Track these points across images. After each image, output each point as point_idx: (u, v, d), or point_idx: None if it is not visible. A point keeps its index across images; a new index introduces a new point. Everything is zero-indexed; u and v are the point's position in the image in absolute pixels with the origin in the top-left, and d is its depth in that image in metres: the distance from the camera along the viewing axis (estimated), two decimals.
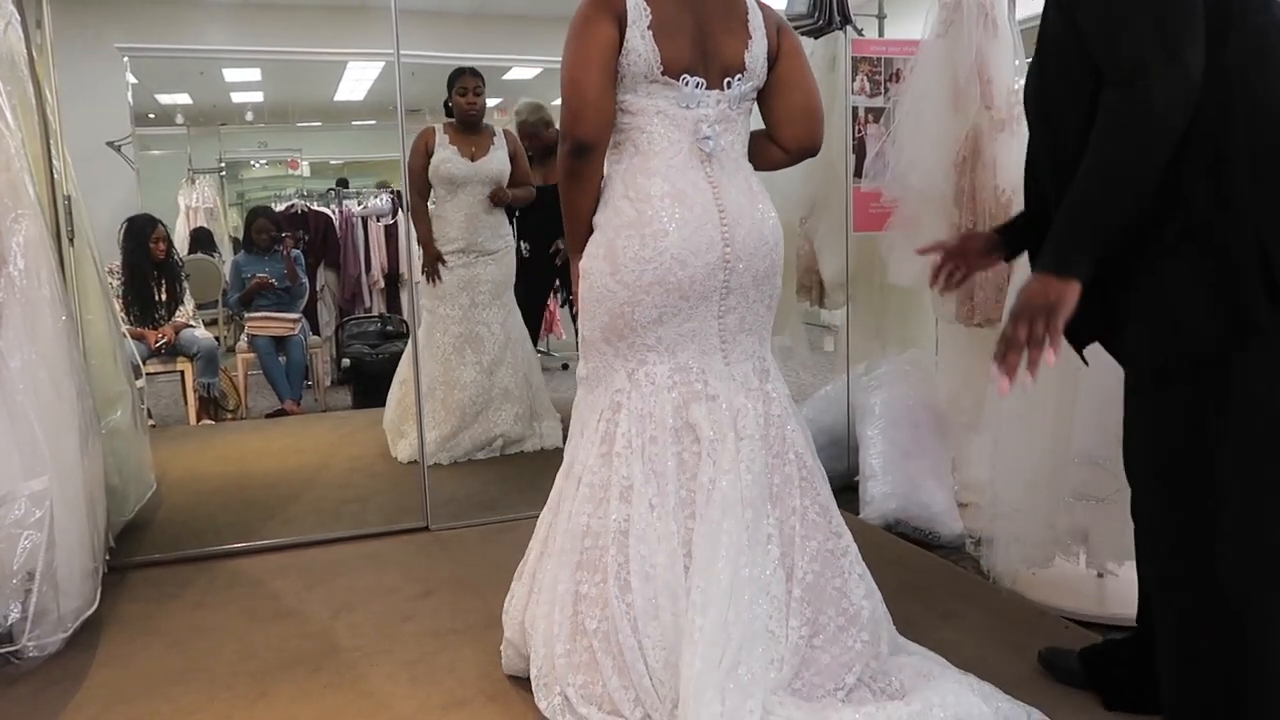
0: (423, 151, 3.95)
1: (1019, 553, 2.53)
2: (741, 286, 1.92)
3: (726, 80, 1.90)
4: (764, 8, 1.98)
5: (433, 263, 4.00)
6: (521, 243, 4.33)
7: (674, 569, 1.81)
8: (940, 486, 3.18)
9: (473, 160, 3.97)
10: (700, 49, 1.87)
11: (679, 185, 1.86)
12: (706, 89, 1.88)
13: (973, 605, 2.49)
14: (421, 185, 3.98)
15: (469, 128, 4.00)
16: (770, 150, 2.02)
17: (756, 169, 2.01)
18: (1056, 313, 1.45)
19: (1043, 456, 2.40)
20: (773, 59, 1.96)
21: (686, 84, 1.86)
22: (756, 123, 2.04)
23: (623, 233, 1.87)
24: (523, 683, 2.13)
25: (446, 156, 3.94)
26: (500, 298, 4.08)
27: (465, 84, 3.97)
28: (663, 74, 1.84)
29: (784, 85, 1.97)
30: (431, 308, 4.02)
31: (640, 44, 1.82)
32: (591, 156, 1.87)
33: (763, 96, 2.00)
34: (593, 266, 1.92)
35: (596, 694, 1.83)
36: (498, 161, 4.02)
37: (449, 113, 4.04)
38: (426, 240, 3.99)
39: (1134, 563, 2.53)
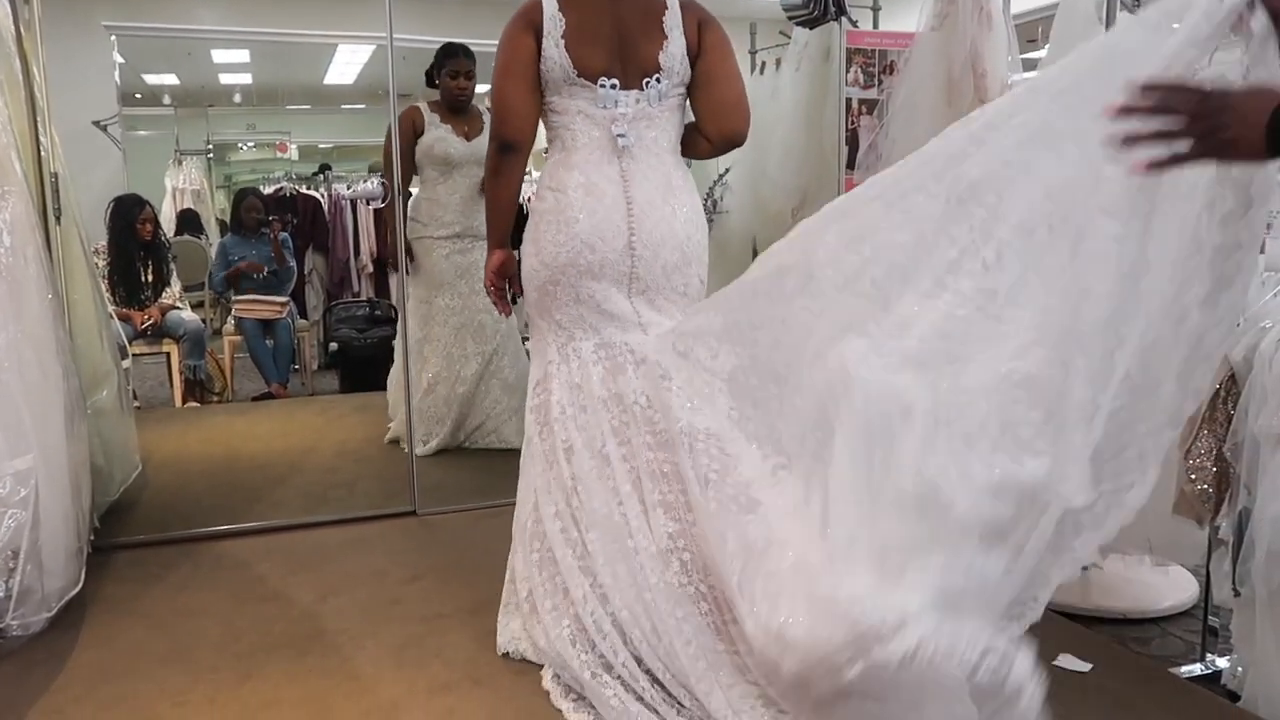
0: (410, 132, 3.76)
1: None
2: (650, 274, 2.09)
3: (645, 81, 2.07)
4: (685, 5, 2.11)
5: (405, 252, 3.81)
6: None
7: (613, 517, 1.97)
8: None
9: (468, 139, 3.81)
10: (618, 54, 2.07)
11: (593, 178, 2.06)
12: (624, 89, 2.06)
13: None
14: (406, 167, 3.81)
15: (458, 109, 3.86)
16: (697, 140, 2.19)
17: (688, 157, 2.20)
18: (1212, 137, 1.16)
19: None
20: (694, 55, 2.11)
21: (603, 86, 2.05)
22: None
23: (545, 218, 2.09)
24: (509, 667, 2.13)
25: (440, 136, 3.78)
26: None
27: (457, 66, 3.80)
28: (579, 78, 2.05)
29: (706, 80, 2.13)
30: (428, 298, 3.87)
31: (555, 52, 2.04)
32: (515, 155, 2.11)
33: (690, 90, 2.16)
34: (525, 250, 2.16)
35: (567, 630, 1.97)
36: None
37: (430, 83, 3.85)
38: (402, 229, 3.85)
39: (1118, 555, 2.57)
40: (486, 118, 3.85)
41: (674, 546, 1.89)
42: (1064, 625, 2.34)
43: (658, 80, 2.08)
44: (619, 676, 1.89)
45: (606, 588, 1.95)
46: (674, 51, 2.08)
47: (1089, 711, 1.94)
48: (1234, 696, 2.09)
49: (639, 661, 1.89)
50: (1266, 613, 1.97)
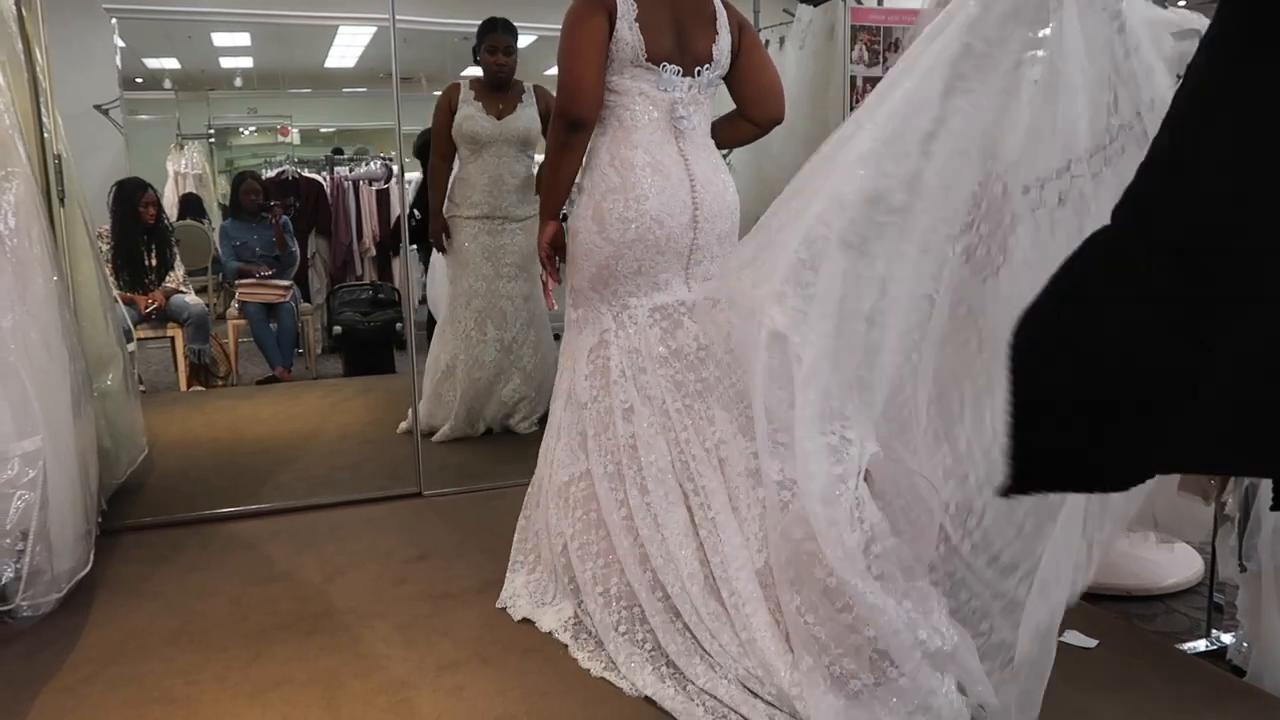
0: (445, 109, 3.71)
1: None
2: (707, 244, 2.24)
3: (697, 69, 2.22)
4: (729, 8, 2.32)
5: (438, 235, 3.82)
6: None
7: (675, 474, 2.09)
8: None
9: (499, 118, 3.71)
10: (677, 42, 2.20)
11: (657, 157, 2.18)
12: (681, 75, 2.20)
13: None
14: (445, 147, 3.76)
15: (496, 87, 3.74)
16: (742, 127, 2.37)
17: (729, 146, 2.39)
18: None
19: None
20: (736, 52, 2.29)
21: (665, 70, 2.18)
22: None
23: (609, 196, 2.17)
24: (518, 645, 2.15)
25: (470, 113, 3.69)
26: (527, 269, 3.81)
27: (495, 42, 3.68)
28: (646, 60, 2.16)
29: (751, 72, 2.32)
30: (453, 278, 3.83)
31: (628, 34, 2.15)
32: (583, 132, 2.19)
33: (733, 84, 2.34)
34: (581, 226, 2.23)
35: (614, 587, 2.09)
36: (525, 119, 3.73)
37: (477, 61, 3.77)
38: (436, 209, 3.81)
39: (1123, 533, 2.57)
40: (525, 93, 3.78)
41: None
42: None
43: (708, 69, 2.24)
44: (651, 631, 2.01)
45: (646, 540, 2.06)
46: (723, 46, 2.26)
47: (1095, 687, 1.95)
48: (1239, 672, 2.10)
49: (675, 614, 2.00)
50: (1273, 588, 1.97)
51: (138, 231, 4.77)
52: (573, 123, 2.16)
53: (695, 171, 2.21)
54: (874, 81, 3.43)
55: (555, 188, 2.28)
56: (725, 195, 2.27)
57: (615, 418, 2.17)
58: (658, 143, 2.19)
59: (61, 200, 2.89)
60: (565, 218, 2.34)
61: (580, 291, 2.29)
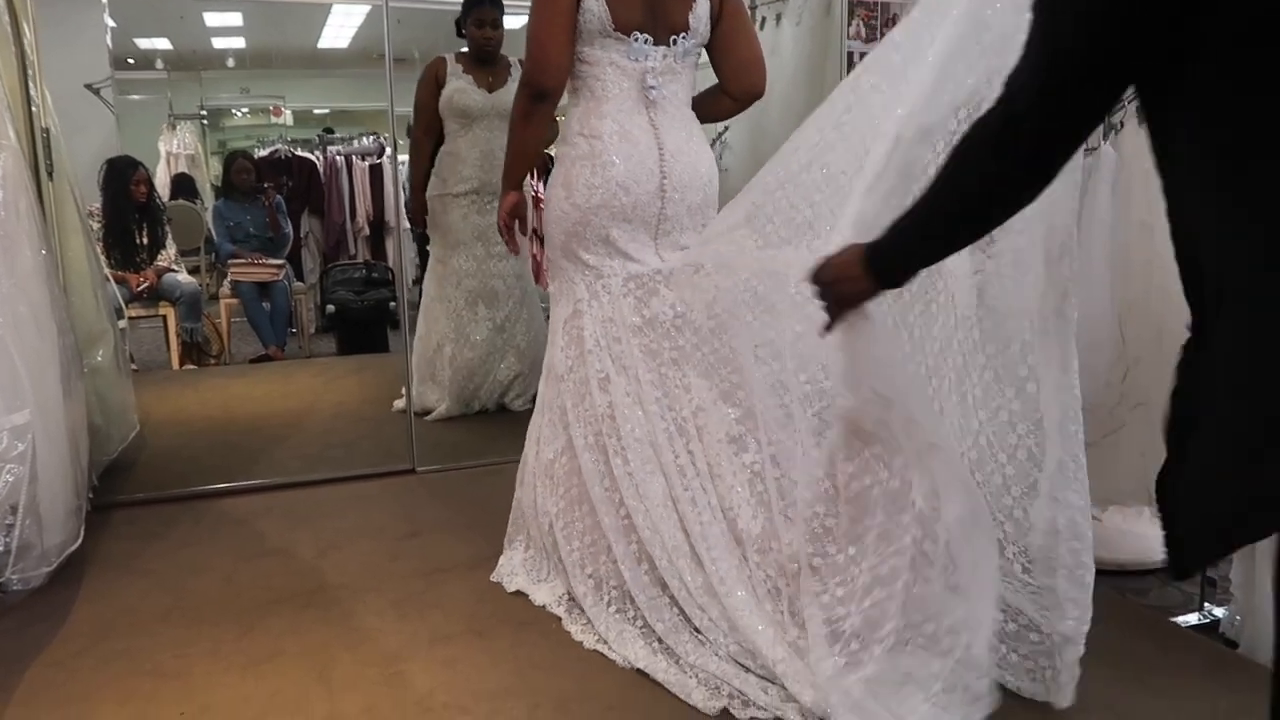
0: (432, 82, 3.67)
1: None
2: (676, 214, 2.21)
3: (673, 38, 2.18)
4: None
5: (419, 215, 3.79)
6: None
7: (652, 444, 2.09)
8: None
9: (490, 91, 3.67)
10: (650, 10, 2.15)
11: (626, 126, 2.16)
12: (654, 45, 2.16)
13: None
14: (429, 120, 3.72)
15: (484, 60, 3.70)
16: (720, 100, 2.33)
17: (708, 120, 2.35)
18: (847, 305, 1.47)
19: None
20: (715, 19, 2.24)
21: (636, 40, 2.14)
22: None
23: (578, 164, 2.17)
24: (511, 618, 2.14)
25: (460, 86, 3.65)
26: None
27: (483, 15, 3.63)
28: (615, 31, 2.12)
29: (729, 42, 2.27)
30: (443, 257, 3.80)
31: (594, 5, 2.10)
32: (548, 103, 2.17)
33: (711, 54, 2.29)
34: (552, 194, 2.24)
35: (601, 567, 2.09)
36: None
37: (459, 34, 3.73)
38: (419, 184, 3.77)
39: (1117, 508, 2.57)
40: (513, 68, 3.74)
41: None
42: None
43: (684, 38, 2.19)
44: (639, 607, 2.01)
45: (631, 510, 2.05)
46: (700, 14, 2.20)
47: (1089, 659, 1.93)
48: (1232, 645, 2.10)
49: (663, 587, 2.00)
50: (1266, 561, 1.97)
51: (129, 210, 4.74)
52: (537, 93, 2.14)
53: (666, 141, 2.18)
54: None
55: (518, 157, 2.29)
56: (699, 167, 2.23)
57: (592, 388, 2.16)
58: (627, 112, 2.16)
59: (50, 175, 2.86)
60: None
61: (555, 262, 2.28)
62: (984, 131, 1.08)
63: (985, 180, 1.11)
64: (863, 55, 3.39)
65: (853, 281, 1.41)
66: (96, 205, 4.64)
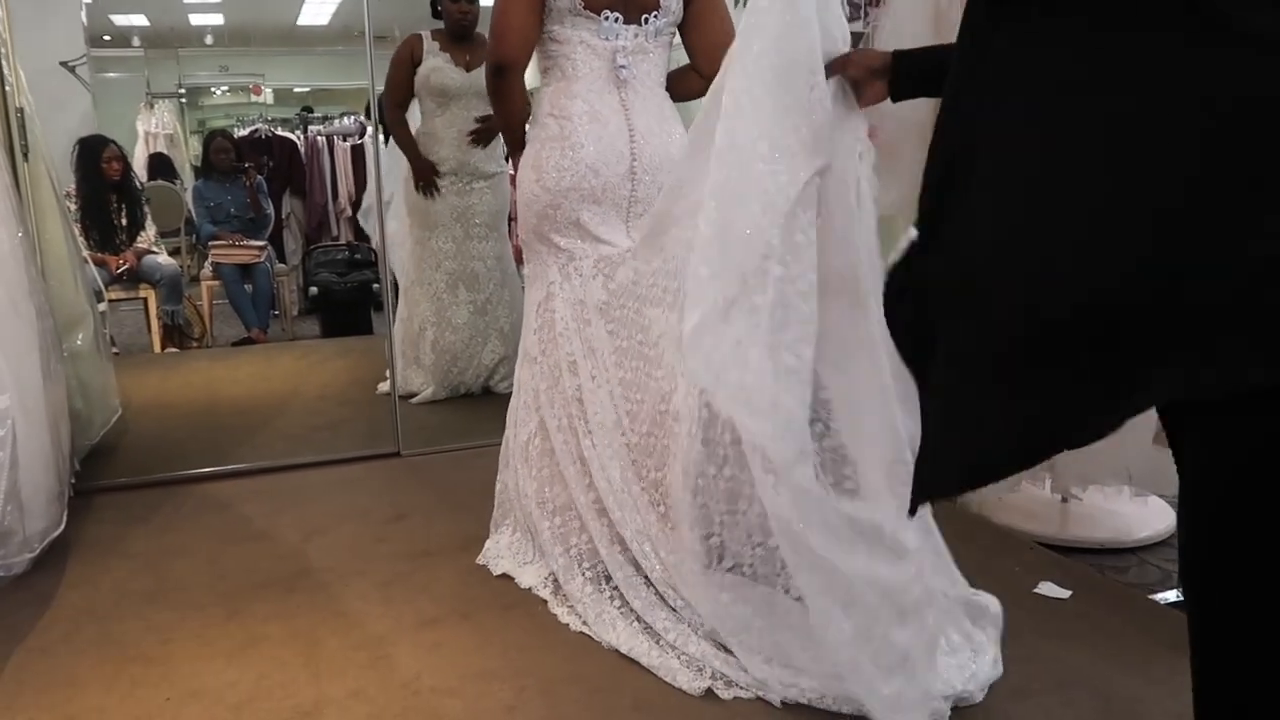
0: (407, 60, 3.62)
1: None
2: (647, 196, 2.19)
3: (644, 16, 2.16)
4: None
5: (426, 174, 3.67)
6: None
7: (609, 419, 2.10)
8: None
9: (468, 69, 3.62)
10: None
11: (596, 106, 2.14)
12: (625, 24, 2.15)
13: (941, 529, 2.52)
14: (402, 97, 3.67)
15: (461, 37, 3.64)
16: (690, 79, 2.27)
17: (680, 99, 2.28)
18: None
19: None
20: None
21: (606, 19, 2.13)
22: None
23: (548, 145, 2.16)
24: (497, 600, 2.15)
25: (437, 65, 3.60)
26: (496, 229, 3.77)
27: None
28: (584, 9, 2.11)
29: (701, 21, 2.24)
30: (422, 239, 3.76)
31: None
32: (510, 76, 2.15)
33: (684, 32, 2.27)
34: (523, 176, 2.23)
35: (578, 544, 2.12)
36: None
37: (436, 14, 3.70)
38: (413, 151, 3.68)
39: (1097, 487, 2.60)
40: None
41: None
42: (1044, 555, 2.37)
43: (656, 16, 2.18)
44: (616, 587, 2.03)
45: (602, 492, 2.07)
46: None
47: (1070, 635, 1.98)
48: None
49: (636, 567, 2.02)
50: None
51: (104, 189, 4.68)
52: (496, 66, 2.13)
53: (636, 122, 2.17)
54: (855, 37, 3.37)
55: (507, 130, 2.34)
56: (670, 148, 2.21)
57: (562, 371, 2.17)
58: (598, 92, 2.15)
59: (25, 155, 2.83)
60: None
61: (528, 245, 2.28)
62: None
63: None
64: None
65: (868, 76, 1.58)
66: (72, 186, 4.58)
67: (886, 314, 0.98)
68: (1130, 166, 0.75)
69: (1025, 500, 2.66)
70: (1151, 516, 2.63)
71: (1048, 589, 2.16)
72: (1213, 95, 0.73)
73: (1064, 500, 2.64)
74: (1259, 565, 0.78)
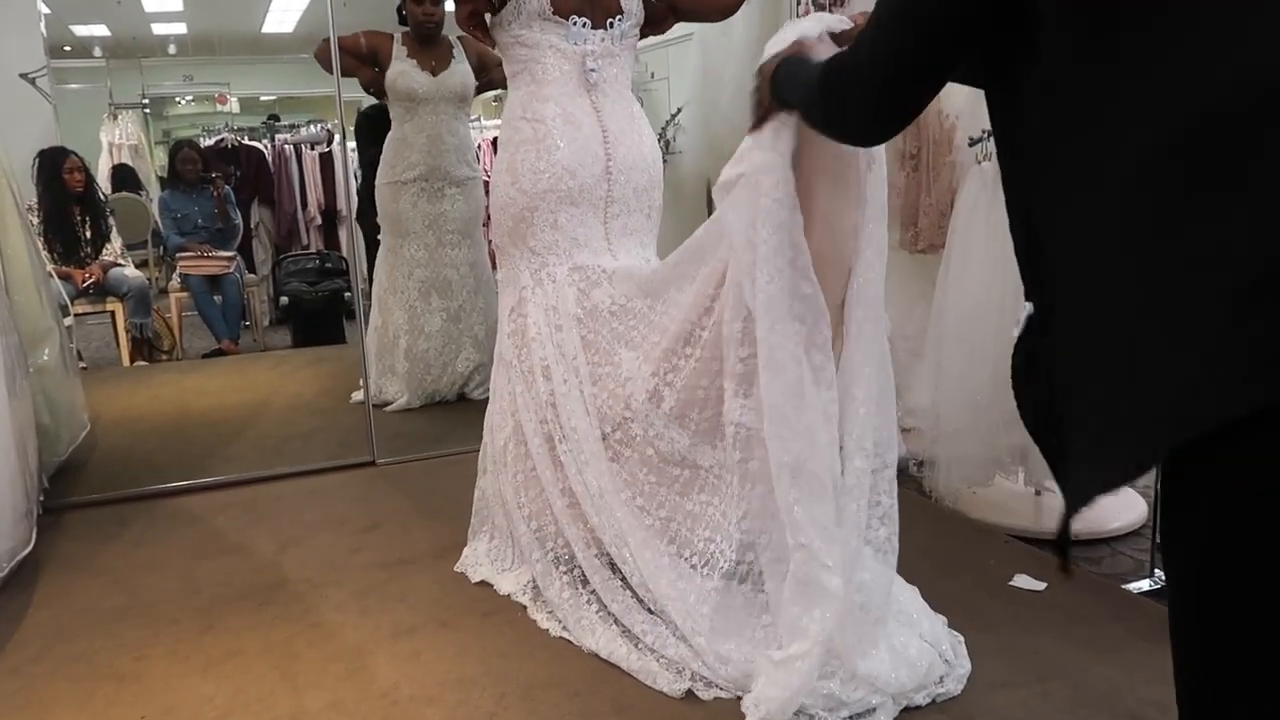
0: (357, 48, 3.52)
1: (960, 473, 2.60)
2: (623, 196, 2.22)
3: (609, 21, 2.21)
4: None
5: (376, 81, 3.59)
6: None
7: (591, 430, 2.09)
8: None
9: (434, 74, 3.61)
10: None
11: (568, 109, 2.17)
12: (592, 28, 2.19)
13: (916, 524, 2.54)
14: (359, 72, 3.59)
15: (427, 40, 3.64)
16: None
17: (700, 19, 2.49)
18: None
19: (984, 380, 2.44)
20: None
21: (574, 24, 2.16)
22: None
23: (522, 148, 2.17)
24: (475, 608, 2.14)
25: (404, 69, 3.57)
26: (470, 236, 3.75)
27: None
28: (553, 14, 2.15)
29: None
30: (394, 246, 3.73)
31: None
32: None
33: (678, 7, 2.32)
34: (498, 180, 2.24)
35: (555, 549, 2.12)
36: (460, 75, 3.65)
37: (402, 20, 3.67)
38: (365, 74, 3.60)
39: None
40: (455, 48, 3.69)
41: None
42: (1019, 547, 2.39)
43: (620, 20, 2.22)
44: (594, 590, 2.02)
45: (578, 495, 2.07)
46: None
47: (1045, 626, 1.99)
48: None
49: (613, 569, 2.01)
50: None
51: (67, 201, 4.61)
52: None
53: (608, 124, 2.20)
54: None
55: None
56: (642, 148, 2.25)
57: (536, 375, 2.17)
58: (569, 95, 2.17)
59: None
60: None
61: (502, 249, 2.28)
62: (834, 75, 1.18)
63: (829, 118, 1.26)
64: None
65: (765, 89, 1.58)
66: (34, 200, 4.51)
67: (1016, 394, 0.96)
68: None
69: (999, 494, 2.69)
70: (1124, 507, 2.66)
71: (1023, 581, 2.18)
72: None
73: (1038, 493, 2.67)
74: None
